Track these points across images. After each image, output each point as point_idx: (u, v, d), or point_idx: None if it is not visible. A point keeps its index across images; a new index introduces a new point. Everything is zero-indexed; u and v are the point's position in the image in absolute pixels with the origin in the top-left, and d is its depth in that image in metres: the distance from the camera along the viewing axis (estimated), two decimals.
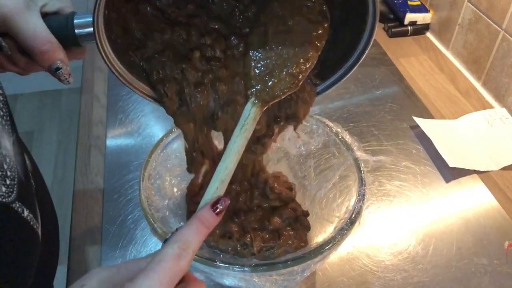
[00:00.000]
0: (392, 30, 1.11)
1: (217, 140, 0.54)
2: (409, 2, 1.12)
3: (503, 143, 0.83)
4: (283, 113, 0.53)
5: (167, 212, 0.57)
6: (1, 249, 0.40)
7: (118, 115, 0.90)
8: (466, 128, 0.86)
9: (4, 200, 0.40)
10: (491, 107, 0.93)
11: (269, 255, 0.56)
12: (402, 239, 0.69)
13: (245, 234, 0.57)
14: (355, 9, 0.46)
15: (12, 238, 0.42)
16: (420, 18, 1.11)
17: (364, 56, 0.48)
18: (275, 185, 0.61)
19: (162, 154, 0.60)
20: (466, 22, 0.99)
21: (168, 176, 0.61)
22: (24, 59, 0.48)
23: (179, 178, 0.62)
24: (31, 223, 0.45)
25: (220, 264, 0.47)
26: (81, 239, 0.69)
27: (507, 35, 0.88)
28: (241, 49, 0.50)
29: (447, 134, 0.85)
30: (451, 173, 0.78)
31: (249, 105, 0.46)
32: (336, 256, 0.66)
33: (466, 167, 0.77)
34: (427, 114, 0.90)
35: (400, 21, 1.12)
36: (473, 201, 0.75)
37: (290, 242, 0.57)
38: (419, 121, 0.85)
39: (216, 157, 0.55)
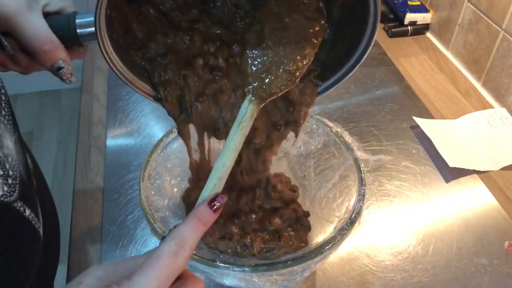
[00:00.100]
0: (392, 30, 1.11)
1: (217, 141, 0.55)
2: (409, 2, 1.12)
3: (503, 143, 0.83)
4: (282, 116, 0.53)
5: (167, 212, 0.57)
6: (2, 248, 0.40)
7: (118, 115, 0.90)
8: (466, 128, 0.86)
9: (6, 199, 0.40)
10: (491, 107, 0.93)
11: (270, 256, 0.56)
12: (402, 239, 0.69)
13: (245, 235, 0.57)
14: (356, 9, 0.46)
15: (14, 237, 0.42)
16: (420, 18, 1.11)
17: (365, 57, 0.48)
18: (277, 184, 0.61)
19: (162, 154, 0.60)
20: (466, 22, 0.99)
21: (168, 176, 0.61)
22: (26, 58, 0.48)
23: (179, 178, 0.62)
24: (33, 222, 0.45)
25: (220, 264, 0.47)
26: (81, 239, 0.69)
27: (507, 35, 0.88)
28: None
29: (447, 134, 0.85)
30: (451, 173, 0.78)
31: (246, 102, 0.46)
32: (336, 256, 0.66)
33: (466, 167, 0.77)
34: (427, 114, 0.90)
35: (400, 21, 1.12)
36: (473, 201, 0.75)
37: (290, 243, 0.57)
38: (419, 121, 0.85)
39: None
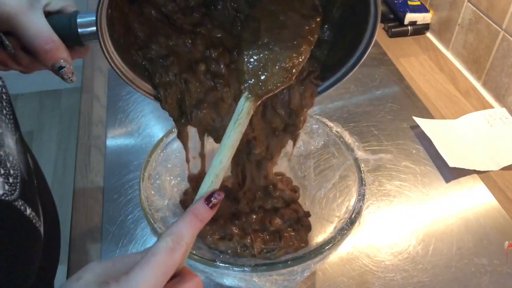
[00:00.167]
0: (392, 30, 1.11)
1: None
2: (409, 2, 1.12)
3: (503, 143, 0.83)
4: (281, 120, 0.53)
5: (167, 212, 0.57)
6: (3, 247, 0.40)
7: (118, 115, 0.90)
8: (466, 128, 0.86)
9: (7, 198, 0.40)
10: (491, 107, 0.93)
11: (270, 256, 0.56)
12: (402, 239, 0.69)
13: (245, 235, 0.56)
14: (356, 9, 0.46)
15: (15, 236, 0.42)
16: (420, 18, 1.11)
17: (365, 56, 0.48)
18: (278, 183, 0.61)
19: (162, 154, 0.60)
20: (466, 22, 0.99)
21: (168, 176, 0.61)
22: (28, 57, 0.48)
23: (179, 178, 0.62)
24: (34, 221, 0.45)
25: (220, 264, 0.47)
26: (81, 239, 0.69)
27: (507, 35, 0.88)
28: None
29: (447, 134, 0.85)
30: (451, 173, 0.78)
31: (242, 99, 0.46)
32: (336, 256, 0.66)
33: (466, 167, 0.77)
34: (427, 114, 0.90)
35: (400, 21, 1.12)
36: (473, 201, 0.75)
37: (291, 243, 0.57)
38: (419, 121, 0.85)
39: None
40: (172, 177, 0.61)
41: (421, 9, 1.11)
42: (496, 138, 0.84)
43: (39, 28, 0.45)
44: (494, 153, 0.81)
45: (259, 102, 0.47)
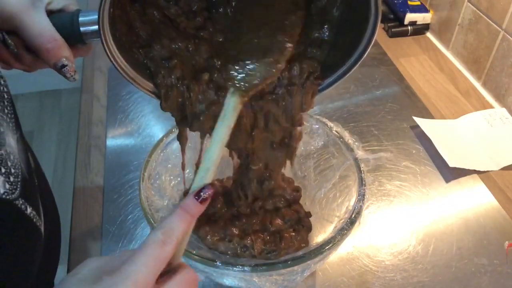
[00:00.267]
0: (392, 30, 1.11)
1: None
2: (409, 2, 1.12)
3: (503, 143, 0.83)
4: (280, 123, 0.53)
5: (167, 212, 0.57)
6: (4, 245, 0.41)
7: (118, 115, 0.90)
8: (466, 128, 0.86)
9: (7, 197, 0.40)
10: (491, 107, 0.93)
11: (270, 257, 0.56)
12: (402, 239, 0.69)
13: (245, 236, 0.56)
14: (356, 8, 0.46)
15: (15, 234, 0.42)
16: (420, 18, 1.11)
17: (364, 56, 0.48)
18: (279, 182, 0.61)
19: (162, 154, 0.60)
20: (466, 22, 0.99)
21: (168, 176, 0.61)
22: (30, 56, 0.49)
23: (179, 178, 0.62)
24: (34, 220, 0.45)
25: (220, 264, 0.47)
26: (81, 239, 0.69)
27: (507, 35, 0.88)
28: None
29: (447, 134, 0.85)
30: (451, 173, 0.78)
31: (228, 95, 0.47)
32: (336, 256, 0.66)
33: (466, 167, 0.77)
34: (427, 114, 0.90)
35: (400, 21, 1.12)
36: (473, 201, 0.75)
37: (291, 243, 0.57)
38: (419, 121, 0.85)
39: None
40: (172, 177, 0.61)
41: (421, 9, 1.11)
42: (496, 138, 0.84)
43: (41, 27, 0.46)
44: (494, 153, 0.81)
45: (246, 98, 0.47)
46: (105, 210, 0.72)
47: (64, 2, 0.49)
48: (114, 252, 0.67)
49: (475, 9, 0.96)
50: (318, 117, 0.63)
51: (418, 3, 1.12)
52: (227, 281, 0.51)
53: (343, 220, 0.53)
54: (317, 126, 0.63)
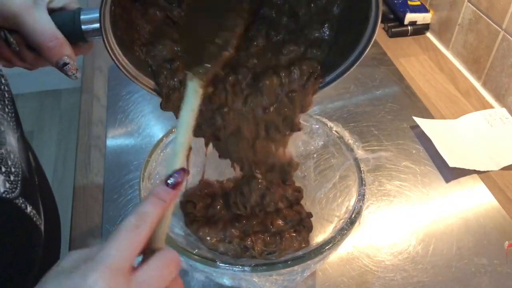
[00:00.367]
0: (392, 30, 1.11)
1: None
2: (409, 2, 1.12)
3: (503, 143, 0.83)
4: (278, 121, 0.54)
5: None
6: (4, 244, 0.41)
7: (118, 115, 0.90)
8: (466, 128, 0.86)
9: (8, 195, 0.40)
10: (491, 107, 0.93)
11: (270, 257, 0.56)
12: (402, 239, 0.69)
13: (245, 237, 0.56)
14: (357, 6, 0.46)
15: (15, 233, 0.42)
16: (420, 18, 1.11)
17: (363, 56, 0.48)
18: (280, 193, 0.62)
19: (162, 154, 0.60)
20: (466, 22, 0.99)
21: None
22: (32, 55, 0.49)
23: None
24: (34, 219, 0.45)
25: (220, 264, 0.47)
26: (81, 239, 0.69)
27: (507, 35, 0.88)
28: (246, 83, 0.51)
29: (447, 134, 0.85)
30: (451, 173, 0.78)
31: (188, 81, 0.47)
32: (336, 256, 0.66)
33: (466, 167, 0.77)
34: (427, 114, 0.90)
35: (400, 21, 1.12)
36: (473, 201, 0.75)
37: (291, 244, 0.57)
38: (419, 121, 0.85)
39: None
40: None
41: (421, 9, 1.11)
42: (496, 138, 0.84)
43: (42, 26, 0.46)
44: (494, 153, 0.81)
45: (204, 81, 0.47)
46: (105, 210, 0.72)
47: (66, 0, 0.49)
48: None
49: (475, 9, 0.96)
50: (318, 117, 0.63)
51: (418, 3, 1.12)
52: (227, 281, 0.51)
53: (343, 220, 0.53)
54: (317, 126, 0.63)
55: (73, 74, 0.49)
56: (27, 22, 0.45)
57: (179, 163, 0.40)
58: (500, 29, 0.90)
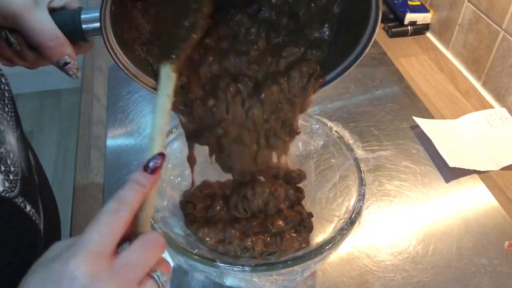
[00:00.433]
0: (392, 30, 1.11)
1: None
2: (409, 2, 1.12)
3: (503, 143, 0.83)
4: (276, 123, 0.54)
5: (167, 213, 0.57)
6: (3, 243, 0.41)
7: (118, 115, 0.90)
8: (466, 128, 0.86)
9: (7, 195, 0.40)
10: (491, 107, 0.93)
11: (271, 258, 0.56)
12: (402, 239, 0.69)
13: (245, 238, 0.56)
14: (357, 6, 0.46)
15: (14, 232, 0.42)
16: (420, 18, 1.11)
17: (362, 56, 0.48)
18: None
19: None
20: (466, 22, 0.99)
21: (168, 176, 0.61)
22: (33, 54, 0.49)
23: (179, 178, 0.62)
24: (33, 218, 0.45)
25: (220, 264, 0.47)
26: None
27: (507, 35, 0.88)
28: (247, 93, 0.52)
29: (447, 134, 0.85)
30: (451, 173, 0.78)
31: (161, 67, 0.47)
32: (336, 256, 0.66)
33: (466, 167, 0.77)
34: (427, 114, 0.90)
35: (400, 21, 1.12)
36: (473, 201, 0.75)
37: (292, 245, 0.57)
38: (419, 121, 0.85)
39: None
40: (172, 177, 0.61)
41: (421, 9, 1.11)
42: (496, 138, 0.84)
43: (43, 25, 0.46)
44: (494, 153, 0.81)
45: (176, 65, 0.47)
46: None
47: None
48: None
49: (475, 9, 0.96)
50: (318, 117, 0.63)
51: (418, 3, 1.12)
52: (227, 281, 0.51)
53: (343, 220, 0.53)
54: (317, 126, 0.63)
55: (74, 73, 0.49)
56: (27, 22, 0.46)
57: (157, 148, 0.41)
58: (500, 29, 0.90)
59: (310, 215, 0.61)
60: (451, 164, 0.77)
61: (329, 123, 0.62)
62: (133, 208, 0.36)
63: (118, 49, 0.46)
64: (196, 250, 0.49)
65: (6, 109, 0.46)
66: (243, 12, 0.52)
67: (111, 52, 0.45)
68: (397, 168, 0.79)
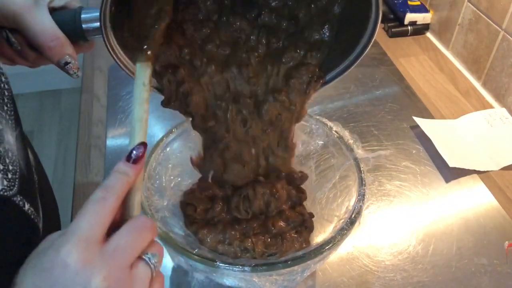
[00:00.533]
0: (392, 30, 1.11)
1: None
2: (409, 2, 1.12)
3: (503, 143, 0.83)
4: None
5: (167, 213, 0.57)
6: (1, 242, 0.41)
7: (118, 115, 0.90)
8: (466, 128, 0.86)
9: (5, 193, 0.41)
10: (491, 107, 0.93)
11: (271, 259, 0.56)
12: (402, 239, 0.69)
13: (245, 239, 0.56)
14: (357, 7, 0.46)
15: (13, 231, 0.42)
16: (420, 18, 1.11)
17: (362, 56, 0.48)
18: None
19: (162, 154, 0.60)
20: (466, 22, 0.99)
21: (168, 176, 0.61)
22: (34, 54, 0.49)
23: (179, 178, 0.62)
24: (32, 216, 0.45)
25: (220, 264, 0.47)
26: None
27: (507, 35, 0.88)
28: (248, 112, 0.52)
29: (447, 134, 0.85)
30: (451, 173, 0.78)
31: (135, 58, 0.47)
32: (336, 256, 0.66)
33: (466, 167, 0.77)
34: (427, 114, 0.90)
35: (400, 21, 1.12)
36: (473, 201, 0.75)
37: (293, 245, 0.57)
38: (419, 121, 0.85)
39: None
40: (172, 177, 0.61)
41: (421, 9, 1.11)
42: (496, 138, 0.84)
43: (44, 25, 0.46)
44: (494, 153, 0.81)
45: (150, 56, 0.47)
46: None
47: None
48: None
49: (475, 9, 0.96)
50: (318, 117, 0.63)
51: (418, 3, 1.12)
52: (227, 281, 0.51)
53: (343, 220, 0.53)
54: (317, 126, 0.63)
55: (75, 73, 0.49)
56: (28, 22, 0.46)
57: (138, 137, 0.41)
58: (500, 29, 0.90)
59: (311, 215, 0.61)
60: (451, 164, 0.77)
61: (329, 123, 0.62)
62: (119, 196, 0.36)
63: (118, 48, 0.46)
64: (196, 250, 0.49)
65: (5, 107, 0.46)
66: (243, 18, 0.52)
67: (111, 51, 0.45)
68: (397, 168, 0.79)
